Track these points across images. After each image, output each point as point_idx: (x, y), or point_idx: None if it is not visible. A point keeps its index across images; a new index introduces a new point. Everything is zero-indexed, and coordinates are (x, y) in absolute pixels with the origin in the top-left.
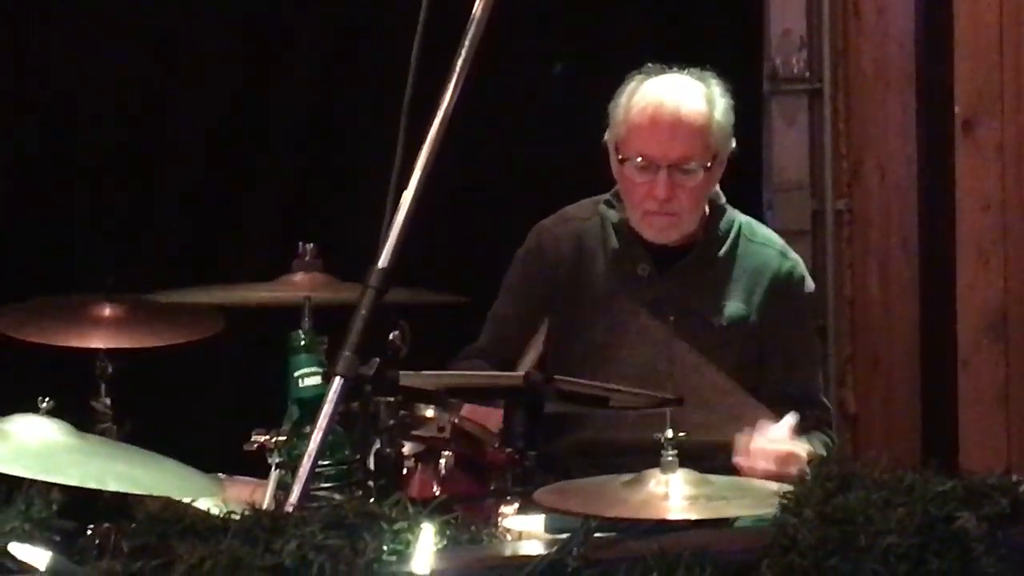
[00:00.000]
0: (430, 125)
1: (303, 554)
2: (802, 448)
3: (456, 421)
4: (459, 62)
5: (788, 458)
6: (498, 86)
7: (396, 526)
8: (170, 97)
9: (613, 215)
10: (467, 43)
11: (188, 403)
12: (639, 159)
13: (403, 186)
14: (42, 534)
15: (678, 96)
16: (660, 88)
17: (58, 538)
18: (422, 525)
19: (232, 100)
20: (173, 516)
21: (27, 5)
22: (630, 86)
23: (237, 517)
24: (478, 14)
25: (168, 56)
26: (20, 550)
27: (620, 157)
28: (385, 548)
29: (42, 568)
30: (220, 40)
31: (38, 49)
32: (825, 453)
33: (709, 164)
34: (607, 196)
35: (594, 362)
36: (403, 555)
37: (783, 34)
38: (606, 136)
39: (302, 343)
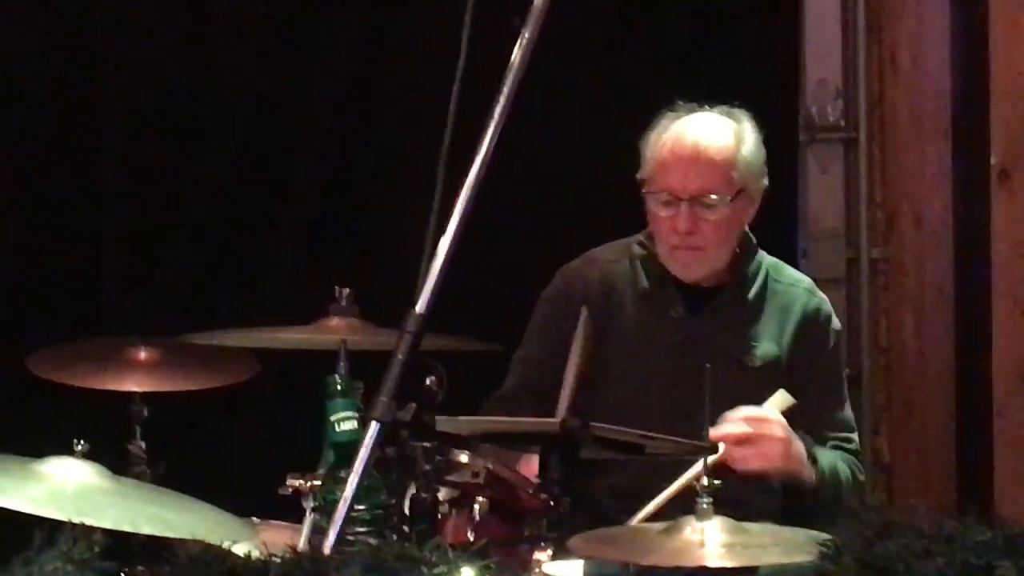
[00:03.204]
0: (468, 170)
1: None
2: (775, 412)
3: (490, 467)
4: (497, 108)
5: (761, 421)
6: (536, 131)
7: (435, 570)
8: (202, 137)
9: (645, 256)
10: (505, 89)
11: (222, 447)
12: (663, 193)
13: (441, 231)
14: (83, 575)
15: (701, 130)
16: (685, 123)
17: None
18: (461, 569)
19: (265, 140)
20: (215, 558)
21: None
22: (659, 123)
23: (278, 559)
24: (516, 61)
25: (196, 94)
26: None
27: (646, 191)
28: None
29: None
30: (248, 75)
31: (57, 79)
32: (845, 470)
33: (732, 198)
34: (639, 237)
35: (626, 405)
36: None
37: (819, 83)
38: (639, 174)
39: (338, 388)
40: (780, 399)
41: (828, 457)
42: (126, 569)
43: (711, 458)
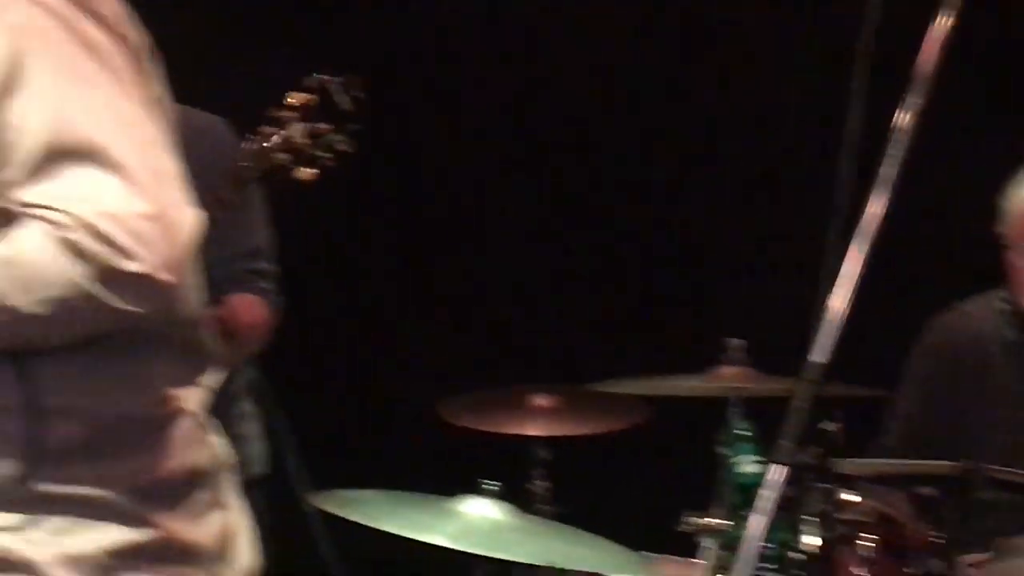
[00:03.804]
0: (860, 222)
1: None
2: None
3: (879, 506)
4: (887, 171)
5: None
6: (919, 183)
7: None
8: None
9: (1008, 308)
10: (894, 152)
11: (616, 487)
12: (1022, 244)
13: (836, 281)
14: None
15: None
16: None
17: None
18: None
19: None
20: None
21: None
22: (1019, 177)
23: None
24: (903, 125)
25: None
26: None
27: (1005, 244)
28: None
29: None
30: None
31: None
32: None
33: None
34: (1000, 293)
35: (999, 455)
36: None
37: None
38: (998, 227)
39: (743, 434)
40: None
41: None
42: None
43: None
